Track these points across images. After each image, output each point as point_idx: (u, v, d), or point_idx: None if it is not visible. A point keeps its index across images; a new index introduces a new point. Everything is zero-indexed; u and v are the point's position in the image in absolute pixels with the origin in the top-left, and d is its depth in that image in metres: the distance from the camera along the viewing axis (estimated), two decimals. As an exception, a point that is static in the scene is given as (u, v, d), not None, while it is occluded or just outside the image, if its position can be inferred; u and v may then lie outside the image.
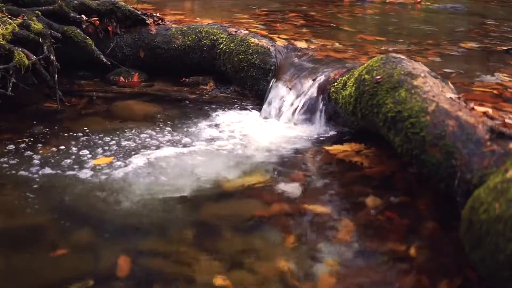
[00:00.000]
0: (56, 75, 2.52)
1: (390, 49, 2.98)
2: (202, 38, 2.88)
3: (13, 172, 1.89)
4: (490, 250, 1.17)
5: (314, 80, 2.40)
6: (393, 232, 1.59)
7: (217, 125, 2.37)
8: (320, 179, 1.92)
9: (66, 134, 2.20)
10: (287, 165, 2.03)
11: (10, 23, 2.47)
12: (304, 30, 3.57)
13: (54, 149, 2.07)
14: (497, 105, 2.11)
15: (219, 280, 1.36)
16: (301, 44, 2.94)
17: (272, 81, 2.58)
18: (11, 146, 2.07)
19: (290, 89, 2.46)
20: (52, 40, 2.56)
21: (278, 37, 3.08)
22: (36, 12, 2.68)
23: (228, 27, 2.93)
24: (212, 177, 1.89)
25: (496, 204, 1.18)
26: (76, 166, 1.93)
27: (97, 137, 2.19)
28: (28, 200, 1.72)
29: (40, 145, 2.09)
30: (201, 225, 1.63)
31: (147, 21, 2.96)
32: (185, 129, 2.31)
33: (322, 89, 2.34)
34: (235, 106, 2.63)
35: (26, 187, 1.79)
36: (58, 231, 1.57)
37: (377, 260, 1.46)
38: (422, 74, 1.85)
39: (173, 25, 3.00)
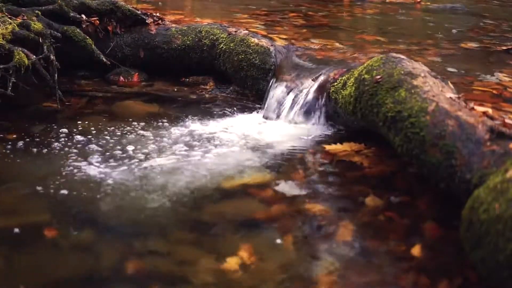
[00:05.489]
0: (56, 75, 2.52)
1: (390, 48, 2.98)
2: (202, 38, 2.88)
3: (13, 171, 1.89)
4: (490, 250, 1.17)
5: (314, 80, 2.40)
6: (393, 232, 1.58)
7: (217, 125, 2.37)
8: (320, 179, 1.92)
9: (65, 134, 2.20)
10: (287, 164, 2.03)
11: (10, 23, 2.47)
12: (304, 30, 3.57)
13: (54, 149, 2.06)
14: (497, 105, 2.11)
15: (219, 280, 1.36)
16: (300, 44, 2.94)
17: (272, 81, 2.58)
18: (11, 146, 2.07)
19: (290, 89, 2.46)
20: (52, 40, 2.56)
21: (278, 37, 3.08)
22: (36, 12, 2.67)
23: (228, 27, 2.93)
24: (212, 177, 1.89)
25: (496, 204, 1.18)
26: (75, 165, 1.92)
27: (97, 137, 2.19)
28: (28, 199, 1.72)
29: (39, 145, 2.09)
30: (201, 225, 1.63)
31: (147, 21, 2.96)
32: (185, 129, 2.31)
33: (322, 89, 2.34)
34: (235, 106, 2.63)
35: (26, 186, 1.79)
36: (60, 230, 1.58)
37: (377, 260, 1.46)
38: (422, 74, 1.85)
39: (173, 25, 3.00)
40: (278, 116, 2.42)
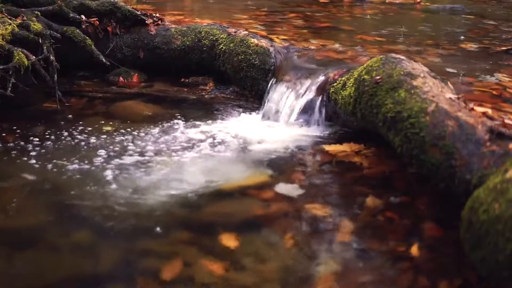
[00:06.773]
0: (55, 76, 2.52)
1: (390, 49, 2.98)
2: (201, 38, 2.88)
3: (13, 171, 1.89)
4: (490, 250, 1.17)
5: (313, 80, 2.40)
6: (393, 232, 1.58)
7: (216, 126, 2.37)
8: (319, 180, 1.92)
9: (65, 134, 2.20)
10: (287, 165, 2.03)
11: (10, 24, 2.47)
12: (304, 30, 3.57)
13: (54, 149, 2.06)
14: (496, 105, 2.11)
15: (218, 280, 1.36)
16: (300, 45, 2.94)
17: (271, 81, 2.58)
18: (11, 146, 2.07)
19: (290, 89, 2.46)
20: (52, 40, 2.56)
21: (277, 37, 3.08)
22: (36, 12, 2.67)
23: (228, 28, 2.93)
24: (211, 178, 1.89)
25: (495, 204, 1.18)
26: (75, 166, 1.93)
27: (97, 137, 2.19)
28: (28, 199, 1.72)
29: (39, 145, 2.09)
30: (201, 225, 1.63)
31: (146, 22, 2.96)
32: (184, 129, 2.31)
33: (322, 89, 2.34)
34: (235, 106, 2.63)
35: (26, 186, 1.79)
36: (58, 229, 1.58)
37: (377, 260, 1.46)
38: (422, 74, 1.85)
39: (173, 26, 3.00)
40: (277, 117, 2.42)
